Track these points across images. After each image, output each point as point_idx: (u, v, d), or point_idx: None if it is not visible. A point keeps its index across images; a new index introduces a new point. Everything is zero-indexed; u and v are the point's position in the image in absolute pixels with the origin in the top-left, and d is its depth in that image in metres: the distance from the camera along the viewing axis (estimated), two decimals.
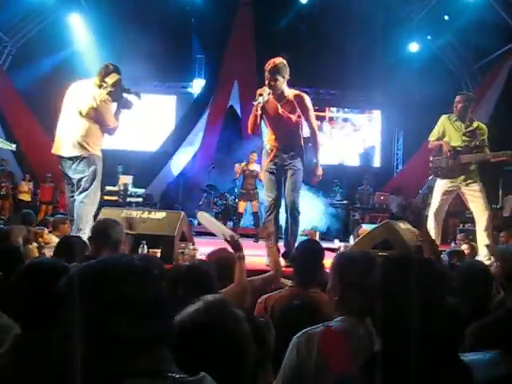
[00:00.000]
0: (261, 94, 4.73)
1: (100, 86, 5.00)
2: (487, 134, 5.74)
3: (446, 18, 12.11)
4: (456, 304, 1.85)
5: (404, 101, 14.38)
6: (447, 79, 13.17)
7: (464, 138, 5.65)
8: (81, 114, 4.89)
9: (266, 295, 2.94)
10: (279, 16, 13.49)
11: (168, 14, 13.24)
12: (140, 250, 4.16)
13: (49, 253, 4.38)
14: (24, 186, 12.65)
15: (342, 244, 6.96)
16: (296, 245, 3.99)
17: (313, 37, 13.47)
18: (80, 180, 4.88)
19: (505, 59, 11.79)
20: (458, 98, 5.70)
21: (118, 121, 5.12)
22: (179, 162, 13.94)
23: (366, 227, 7.14)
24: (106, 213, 4.73)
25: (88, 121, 4.91)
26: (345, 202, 12.66)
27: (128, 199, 11.08)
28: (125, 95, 5.20)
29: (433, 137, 5.85)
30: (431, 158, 5.86)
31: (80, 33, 13.36)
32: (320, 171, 5.04)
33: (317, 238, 7.37)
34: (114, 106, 5.15)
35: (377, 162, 15.52)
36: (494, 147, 5.88)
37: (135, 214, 4.73)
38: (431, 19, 12.96)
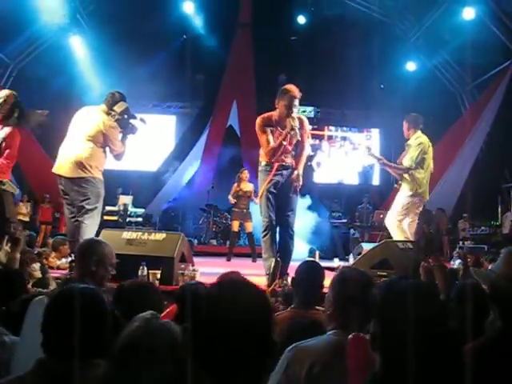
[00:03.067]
0: (293, 129, 4.85)
1: (108, 114, 5.10)
2: (413, 148, 6.09)
3: (446, 37, 12.23)
4: (455, 329, 1.87)
5: (402, 119, 14.49)
6: (444, 97, 13.29)
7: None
8: (88, 137, 4.96)
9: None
10: (277, 36, 13.64)
11: (167, 34, 13.41)
12: (140, 271, 4.16)
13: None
14: (22, 207, 12.66)
15: (342, 263, 6.96)
16: (294, 264, 4.02)
17: (311, 57, 13.63)
18: (82, 202, 4.92)
19: (501, 77, 11.89)
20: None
21: (124, 146, 5.22)
22: (179, 181, 13.98)
23: (366, 247, 7.15)
24: (107, 234, 4.75)
25: (94, 144, 4.99)
26: (344, 220, 12.69)
27: (128, 219, 11.13)
28: (131, 121, 5.30)
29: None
30: None
31: (80, 54, 13.50)
32: (300, 181, 5.06)
33: (317, 257, 7.38)
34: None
35: (376, 180, 15.55)
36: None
37: (135, 235, 4.75)
38: (428, 38, 13.11)
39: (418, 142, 6.03)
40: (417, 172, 5.93)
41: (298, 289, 2.95)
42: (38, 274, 4.36)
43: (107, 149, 5.13)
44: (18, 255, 3.03)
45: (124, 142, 5.26)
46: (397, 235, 5.87)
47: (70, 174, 4.99)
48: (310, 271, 2.99)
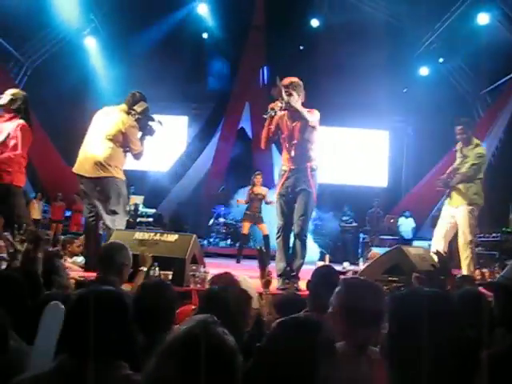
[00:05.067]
0: (272, 108, 4.81)
1: (128, 113, 5.13)
2: (477, 156, 5.72)
3: (460, 42, 12.16)
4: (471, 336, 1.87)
5: (413, 122, 14.46)
6: (457, 102, 13.23)
7: (458, 160, 5.82)
8: (108, 136, 4.99)
9: (278, 320, 2.94)
10: (290, 39, 13.65)
11: (180, 35, 13.45)
12: (152, 272, 4.18)
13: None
14: (35, 205, 12.75)
15: (352, 267, 6.95)
16: (309, 269, 4.02)
17: (324, 60, 13.61)
18: (105, 203, 4.95)
19: None
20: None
21: (142, 146, 5.25)
22: (190, 182, 14.02)
23: (376, 250, 7.13)
24: (119, 234, 4.76)
25: (114, 144, 5.02)
26: (354, 224, 12.66)
27: (138, 219, 11.17)
28: (149, 123, 5.33)
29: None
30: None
31: (94, 55, 13.60)
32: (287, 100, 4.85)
33: (327, 261, 7.37)
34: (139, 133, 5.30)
35: (385, 183, 15.50)
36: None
37: (148, 235, 4.76)
38: (441, 43, 13.06)
39: (479, 152, 5.73)
40: (479, 182, 5.64)
41: (313, 293, 2.95)
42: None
43: (127, 148, 5.17)
44: (40, 255, 3.02)
45: (143, 142, 5.29)
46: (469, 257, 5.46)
47: (90, 173, 5.01)
48: (326, 276, 2.99)
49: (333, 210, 12.63)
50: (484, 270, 5.60)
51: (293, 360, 1.43)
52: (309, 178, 4.96)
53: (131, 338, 1.69)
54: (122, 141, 5.07)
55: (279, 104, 4.82)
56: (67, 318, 1.67)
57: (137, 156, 5.27)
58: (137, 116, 5.18)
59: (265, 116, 4.89)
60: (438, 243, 5.57)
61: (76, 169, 5.15)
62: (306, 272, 4.21)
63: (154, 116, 5.48)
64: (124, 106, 5.21)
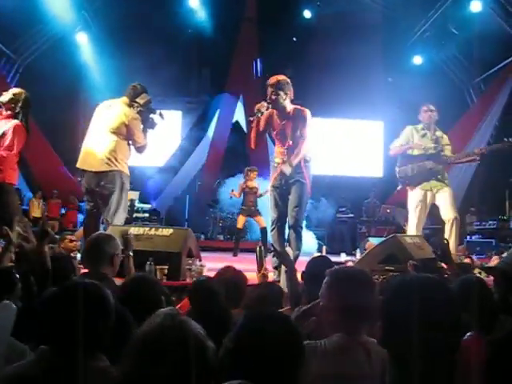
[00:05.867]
0: (258, 110, 4.79)
1: (130, 106, 5.08)
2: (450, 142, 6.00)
3: (454, 31, 12.12)
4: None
5: (407, 112, 14.42)
6: (451, 91, 13.21)
7: (431, 145, 5.86)
8: (111, 129, 4.95)
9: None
10: (283, 31, 13.60)
11: (173, 29, 13.38)
12: (147, 266, 4.17)
13: None
14: (35, 203, 12.69)
15: (349, 258, 6.96)
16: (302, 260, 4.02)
17: (316, 51, 13.57)
18: (108, 197, 4.91)
19: (509, 71, 11.80)
20: (425, 107, 5.98)
21: (146, 139, 5.20)
22: (185, 177, 13.99)
23: (373, 241, 7.14)
24: (114, 230, 4.74)
25: (117, 137, 4.97)
26: (351, 215, 12.66)
27: (134, 215, 11.16)
28: (151, 115, 5.28)
29: (395, 143, 6.03)
30: (397, 169, 5.96)
31: (86, 50, 13.52)
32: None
33: (324, 252, 7.38)
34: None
35: (380, 173, 15.48)
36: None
37: (142, 230, 4.75)
38: (434, 32, 13.02)
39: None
40: None
41: (308, 284, 2.94)
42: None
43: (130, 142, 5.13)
44: (47, 249, 2.98)
45: (145, 135, 5.23)
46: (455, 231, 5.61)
47: (95, 167, 4.96)
48: (321, 267, 2.98)
49: (329, 201, 12.63)
50: (473, 257, 5.67)
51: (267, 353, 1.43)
52: (302, 169, 4.95)
53: (111, 330, 1.70)
54: (125, 133, 5.02)
55: (265, 104, 4.82)
56: (50, 311, 1.69)
57: (140, 149, 5.21)
58: (139, 108, 5.12)
59: (251, 118, 4.91)
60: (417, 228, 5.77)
61: (79, 164, 5.11)
62: (303, 263, 4.21)
63: (159, 110, 5.42)
64: (125, 99, 5.14)
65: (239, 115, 14.02)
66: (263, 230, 8.88)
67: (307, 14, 14.03)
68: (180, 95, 15.10)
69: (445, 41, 12.93)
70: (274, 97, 4.80)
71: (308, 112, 4.96)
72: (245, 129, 13.89)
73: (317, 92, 13.17)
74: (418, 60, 13.81)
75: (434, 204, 5.84)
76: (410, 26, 13.54)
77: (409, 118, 14.38)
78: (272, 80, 4.87)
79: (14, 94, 4.79)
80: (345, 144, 15.39)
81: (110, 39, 13.01)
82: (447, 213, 5.68)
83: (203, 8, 13.64)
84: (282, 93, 4.81)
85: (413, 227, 5.80)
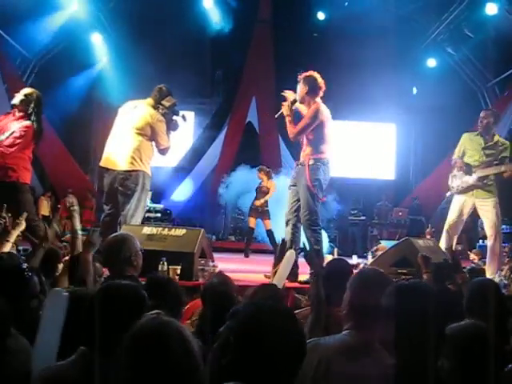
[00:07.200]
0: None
1: (154, 107, 5.11)
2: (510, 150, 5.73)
3: (469, 34, 12.02)
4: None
5: (420, 115, 14.34)
6: (465, 94, 13.13)
7: (483, 152, 5.65)
8: (136, 130, 4.97)
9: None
10: (297, 33, 13.59)
11: (187, 30, 13.41)
12: (160, 266, 4.20)
13: None
14: (43, 201, 12.77)
15: (361, 260, 6.94)
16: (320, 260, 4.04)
17: (330, 52, 13.53)
18: (129, 196, 4.95)
19: None
20: (483, 113, 5.73)
21: (169, 141, 5.23)
22: (198, 177, 14.02)
23: (384, 244, 7.12)
24: (127, 229, 4.76)
25: (142, 137, 5.01)
26: (363, 217, 12.62)
27: (147, 214, 11.18)
28: (174, 117, 5.32)
29: (455, 155, 5.91)
30: (450, 175, 5.91)
31: (101, 51, 13.61)
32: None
33: (335, 254, 7.36)
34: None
35: (392, 176, 15.41)
36: None
37: (155, 230, 4.78)
38: (449, 34, 12.95)
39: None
40: None
41: (325, 286, 2.93)
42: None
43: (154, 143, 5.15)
44: (90, 257, 2.97)
45: (169, 137, 5.26)
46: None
47: (120, 167, 4.99)
48: (339, 269, 2.99)
49: (341, 204, 12.60)
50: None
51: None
52: (306, 171, 4.99)
53: None
54: (150, 134, 5.05)
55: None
56: (87, 313, 1.72)
57: (163, 151, 5.25)
58: (164, 111, 5.15)
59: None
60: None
61: (103, 163, 5.13)
62: (303, 264, 4.21)
63: (182, 112, 5.47)
64: (151, 100, 5.18)
65: (252, 116, 14.02)
66: (269, 232, 8.91)
67: (321, 16, 14.00)
68: (193, 96, 15.12)
69: (459, 44, 12.85)
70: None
71: (313, 107, 5.34)
72: (257, 130, 13.91)
73: (329, 94, 13.10)
74: (432, 63, 13.74)
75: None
76: (425, 29, 13.47)
77: (421, 120, 14.43)
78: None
79: (25, 95, 4.81)
80: (357, 146, 15.30)
81: (123, 41, 13.09)
82: (487, 226, 5.69)
83: (218, 10, 13.67)
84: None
85: (445, 227, 5.78)
